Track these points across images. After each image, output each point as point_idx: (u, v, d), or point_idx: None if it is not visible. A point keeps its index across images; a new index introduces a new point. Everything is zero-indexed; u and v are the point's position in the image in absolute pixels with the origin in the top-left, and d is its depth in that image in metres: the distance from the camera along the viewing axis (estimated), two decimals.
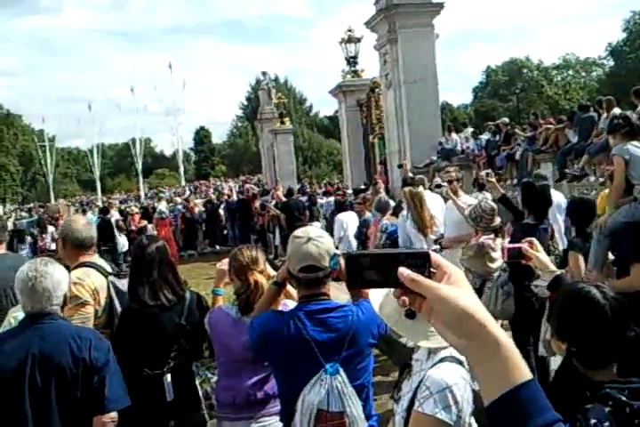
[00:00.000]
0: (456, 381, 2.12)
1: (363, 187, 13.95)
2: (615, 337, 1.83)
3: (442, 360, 2.17)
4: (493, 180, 6.62)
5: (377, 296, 2.31)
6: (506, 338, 0.92)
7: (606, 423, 1.69)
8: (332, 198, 15.12)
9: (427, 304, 0.94)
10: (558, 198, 6.94)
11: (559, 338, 1.95)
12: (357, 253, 1.00)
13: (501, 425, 0.90)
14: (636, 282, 3.69)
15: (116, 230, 14.98)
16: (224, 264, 3.28)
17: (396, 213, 7.57)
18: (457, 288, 0.93)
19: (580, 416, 1.72)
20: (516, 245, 2.95)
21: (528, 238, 2.93)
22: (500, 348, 0.90)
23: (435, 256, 0.96)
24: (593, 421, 1.70)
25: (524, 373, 0.90)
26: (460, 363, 2.22)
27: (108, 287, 3.46)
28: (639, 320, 1.97)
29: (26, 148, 64.94)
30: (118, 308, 3.41)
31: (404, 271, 0.94)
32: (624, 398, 1.74)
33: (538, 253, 2.70)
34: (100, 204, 30.41)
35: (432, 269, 0.96)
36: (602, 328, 1.83)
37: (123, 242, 14.79)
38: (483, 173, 6.81)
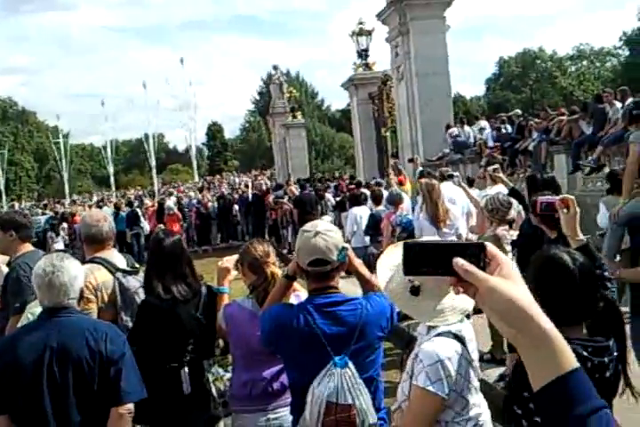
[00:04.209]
0: (449, 355, 2.16)
1: (373, 182, 13.96)
2: (583, 298, 1.96)
3: (438, 335, 2.22)
4: (500, 174, 6.61)
5: (384, 272, 2.33)
6: (553, 329, 0.95)
7: None
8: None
9: (479, 294, 0.98)
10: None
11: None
12: (414, 243, 1.04)
13: (549, 411, 0.94)
14: None
15: (141, 217, 18.09)
16: (227, 262, 3.32)
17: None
18: (508, 280, 0.97)
19: None
20: (550, 199, 2.88)
21: (562, 195, 2.85)
22: (548, 338, 0.94)
23: (490, 248, 1.00)
24: None
25: (570, 361, 0.94)
26: (458, 338, 2.25)
27: (114, 284, 3.51)
28: None
29: (40, 144, 65.35)
30: (120, 305, 3.46)
31: (458, 261, 0.97)
32: (586, 354, 1.87)
33: (567, 216, 2.62)
34: (114, 200, 30.72)
35: (487, 260, 0.99)
36: (570, 290, 1.96)
37: (146, 227, 17.70)
38: (490, 168, 6.78)
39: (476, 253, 0.98)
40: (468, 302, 2.32)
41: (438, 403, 2.17)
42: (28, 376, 2.58)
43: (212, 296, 3.38)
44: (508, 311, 0.94)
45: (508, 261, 1.00)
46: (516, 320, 0.94)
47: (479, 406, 2.32)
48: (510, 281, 0.97)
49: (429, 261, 1.00)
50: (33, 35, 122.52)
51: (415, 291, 2.21)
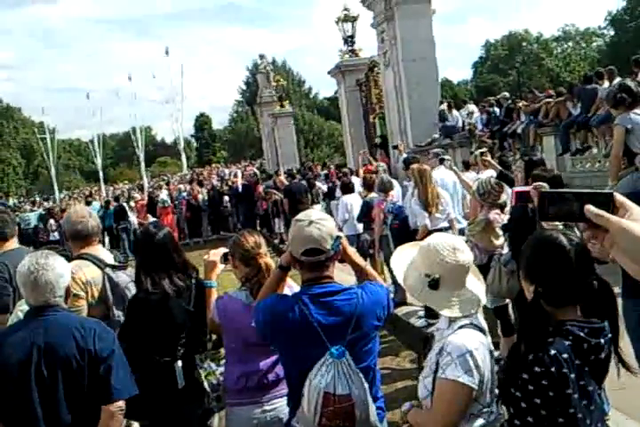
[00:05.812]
0: (476, 346, 2.16)
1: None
2: (578, 280, 1.95)
3: (461, 327, 2.20)
4: (488, 158, 6.58)
5: (400, 269, 2.34)
6: None
7: (565, 355, 1.85)
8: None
9: (609, 236, 1.07)
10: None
11: (528, 280, 2.05)
12: (550, 191, 1.14)
13: None
14: None
15: (128, 212, 18.29)
16: (213, 255, 3.27)
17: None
18: (637, 223, 1.06)
19: (542, 347, 1.87)
20: (525, 188, 2.91)
21: (536, 183, 2.88)
22: None
23: (618, 197, 1.09)
24: (553, 351, 1.85)
25: None
26: (481, 330, 2.25)
27: (104, 280, 3.45)
28: None
29: (27, 140, 64.79)
30: (112, 300, 3.42)
31: (590, 207, 1.08)
32: (583, 335, 1.89)
33: None
34: (103, 194, 30.58)
35: (615, 207, 1.09)
36: (566, 271, 1.95)
37: (134, 221, 17.85)
38: (477, 151, 6.79)
39: (605, 202, 1.08)
40: (480, 295, 2.32)
41: (469, 394, 2.14)
42: (15, 377, 2.52)
43: (202, 289, 3.33)
44: (638, 249, 1.03)
45: (636, 207, 1.09)
46: None
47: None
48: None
49: (562, 208, 1.11)
50: (14, 29, 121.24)
51: (434, 285, 2.21)
